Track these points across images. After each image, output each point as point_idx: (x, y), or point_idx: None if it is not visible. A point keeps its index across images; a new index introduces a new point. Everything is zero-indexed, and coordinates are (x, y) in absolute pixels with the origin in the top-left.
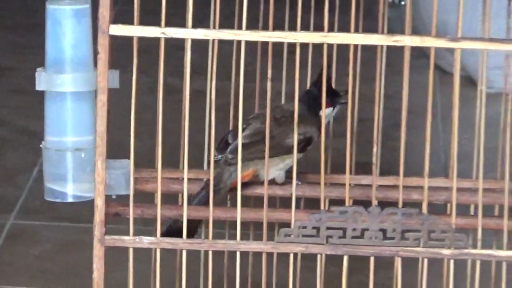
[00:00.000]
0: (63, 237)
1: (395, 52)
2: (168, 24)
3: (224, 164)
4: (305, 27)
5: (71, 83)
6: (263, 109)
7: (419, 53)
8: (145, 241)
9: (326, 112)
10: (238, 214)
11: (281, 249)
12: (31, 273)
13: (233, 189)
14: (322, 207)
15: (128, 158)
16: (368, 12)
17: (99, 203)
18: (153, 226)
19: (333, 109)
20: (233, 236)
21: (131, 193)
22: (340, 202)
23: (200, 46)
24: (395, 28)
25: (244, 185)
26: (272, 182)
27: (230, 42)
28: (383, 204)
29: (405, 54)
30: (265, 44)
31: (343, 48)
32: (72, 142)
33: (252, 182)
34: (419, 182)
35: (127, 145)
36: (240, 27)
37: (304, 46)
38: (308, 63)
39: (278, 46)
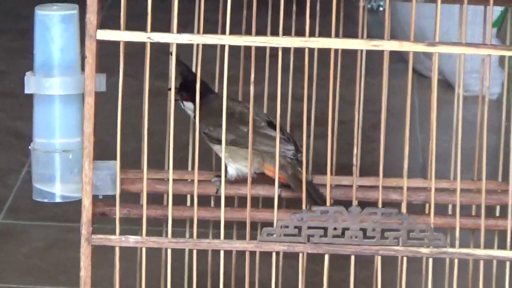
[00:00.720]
0: (51, 236)
1: (374, 56)
2: (154, 29)
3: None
4: (287, 32)
5: (59, 87)
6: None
7: (398, 58)
8: (131, 240)
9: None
10: (222, 214)
11: (264, 248)
12: (20, 271)
13: None
14: (303, 207)
15: (115, 159)
16: (348, 18)
17: (86, 203)
18: (138, 225)
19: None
20: (217, 235)
21: (118, 193)
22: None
23: (185, 50)
24: (374, 33)
25: None
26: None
27: (214, 47)
28: (363, 204)
29: (384, 58)
30: (248, 48)
31: (324, 52)
32: (60, 143)
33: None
34: (398, 183)
35: (114, 147)
36: (223, 32)
37: (286, 50)
38: (289, 67)
39: (260, 50)
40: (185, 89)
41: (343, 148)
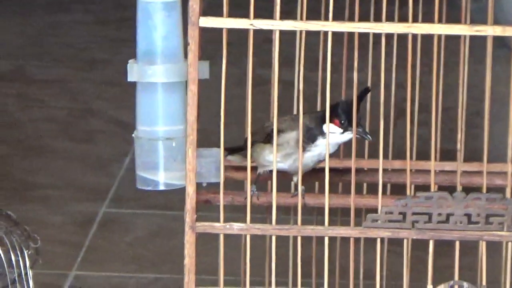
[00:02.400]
0: (155, 225)
1: (477, 42)
2: (257, 17)
3: None
4: (389, 19)
5: (162, 74)
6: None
7: (501, 43)
8: (235, 227)
9: (330, 129)
10: (326, 200)
11: (368, 234)
12: (124, 260)
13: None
14: (408, 192)
15: (218, 146)
16: (451, 4)
17: (190, 191)
18: (242, 213)
19: (342, 132)
20: (321, 222)
21: (222, 180)
22: (425, 188)
23: (287, 38)
24: (477, 19)
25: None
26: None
27: (317, 34)
28: (467, 189)
29: (488, 43)
30: (351, 35)
31: (427, 39)
32: (163, 131)
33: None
34: (502, 168)
35: (217, 134)
36: (326, 19)
37: (389, 36)
38: (393, 54)
39: (362, 37)
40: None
41: (446, 134)
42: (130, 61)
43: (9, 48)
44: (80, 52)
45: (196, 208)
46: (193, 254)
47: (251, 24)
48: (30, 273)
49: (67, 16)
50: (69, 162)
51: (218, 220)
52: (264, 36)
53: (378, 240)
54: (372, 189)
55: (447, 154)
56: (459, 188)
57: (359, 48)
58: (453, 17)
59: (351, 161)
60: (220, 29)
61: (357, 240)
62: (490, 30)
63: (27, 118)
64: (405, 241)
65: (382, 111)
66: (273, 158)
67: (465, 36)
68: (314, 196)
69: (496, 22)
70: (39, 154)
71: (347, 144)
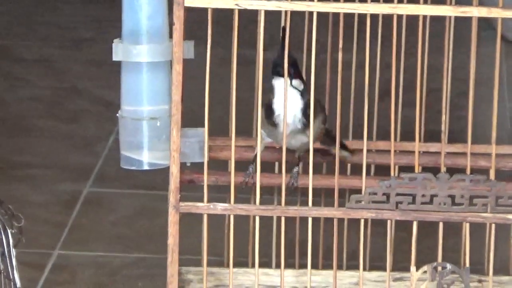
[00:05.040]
0: (139, 204)
1: (462, 24)
2: None
3: None
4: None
5: (147, 54)
6: None
7: (486, 25)
8: (219, 207)
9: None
10: (310, 180)
11: (352, 215)
12: (108, 239)
13: None
14: (392, 173)
15: (203, 126)
16: None
17: (174, 171)
18: (226, 193)
19: (291, 83)
20: (304, 203)
21: (205, 160)
22: (409, 168)
23: (272, 18)
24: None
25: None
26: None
27: (302, 14)
28: (451, 170)
29: (473, 25)
30: (336, 15)
31: (412, 20)
32: (148, 111)
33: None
34: (486, 150)
35: (202, 114)
36: None
37: (374, 17)
38: (378, 34)
39: (348, 17)
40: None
41: (431, 115)
42: (115, 40)
43: None
44: (66, 31)
45: (180, 188)
46: (176, 234)
47: (236, 4)
48: (13, 252)
49: None
50: (53, 141)
51: (202, 200)
52: (249, 17)
53: (362, 221)
54: (356, 170)
55: (432, 135)
56: (443, 169)
57: (344, 28)
58: None
59: None
60: (205, 9)
61: (340, 221)
62: (475, 11)
63: (12, 97)
64: (388, 222)
65: (367, 92)
66: (258, 138)
67: (450, 18)
68: (299, 176)
69: (481, 3)
70: (24, 133)
71: (331, 125)
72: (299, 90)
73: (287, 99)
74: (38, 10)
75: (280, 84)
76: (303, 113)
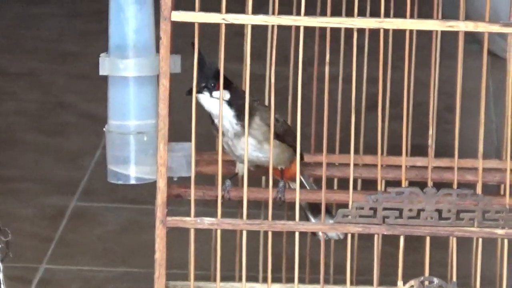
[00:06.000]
0: (126, 219)
1: (448, 38)
2: (229, 11)
3: None
4: (361, 14)
5: (134, 68)
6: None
7: (472, 39)
8: (206, 222)
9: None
10: (297, 195)
11: (339, 229)
12: (94, 253)
13: None
14: (379, 188)
15: (190, 141)
16: None
17: (161, 185)
18: (213, 207)
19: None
20: (292, 217)
21: (192, 175)
22: (396, 183)
23: (259, 32)
24: (448, 14)
25: None
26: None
27: (288, 28)
28: (438, 185)
29: (459, 39)
30: (323, 29)
31: (398, 34)
32: (135, 125)
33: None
34: (473, 164)
35: (189, 128)
36: (298, 13)
37: (361, 31)
38: (364, 48)
39: (335, 32)
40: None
41: (418, 129)
42: (102, 54)
43: None
44: (52, 45)
45: (167, 203)
46: (163, 249)
47: (223, 19)
48: (1, 266)
49: (39, 8)
50: (40, 155)
51: (189, 215)
52: (235, 30)
53: (349, 236)
54: (343, 184)
55: (419, 150)
56: (430, 183)
57: (330, 42)
58: (424, 13)
59: (322, 156)
60: (192, 23)
61: None
62: (462, 26)
63: None
64: (375, 236)
65: (353, 106)
66: (245, 152)
67: (436, 31)
68: (286, 191)
69: (468, 17)
70: (10, 147)
71: (318, 139)
72: (225, 100)
73: (219, 111)
74: (24, 23)
75: (204, 98)
76: (236, 117)
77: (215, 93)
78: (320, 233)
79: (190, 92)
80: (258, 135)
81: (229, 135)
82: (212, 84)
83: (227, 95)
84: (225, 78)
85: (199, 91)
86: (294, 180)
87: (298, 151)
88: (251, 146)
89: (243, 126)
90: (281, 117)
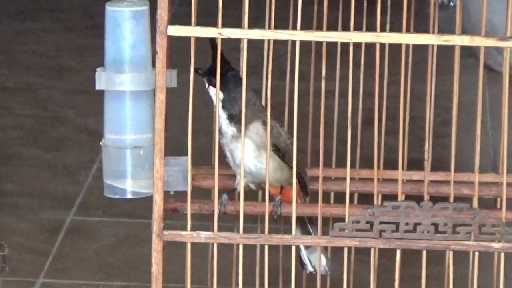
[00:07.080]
0: (122, 233)
1: (445, 52)
2: (225, 25)
3: None
4: (358, 28)
5: (130, 83)
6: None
7: (468, 53)
8: (203, 236)
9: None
10: (294, 209)
11: (336, 243)
12: (91, 268)
13: None
14: (375, 202)
15: (186, 155)
16: (419, 14)
17: (158, 199)
18: (210, 221)
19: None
20: (288, 231)
21: (189, 189)
22: (393, 197)
23: (255, 46)
24: (444, 29)
25: None
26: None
27: (285, 43)
28: (434, 199)
29: (456, 53)
30: (319, 44)
31: (395, 48)
32: (131, 140)
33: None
34: (469, 178)
35: (185, 143)
36: (295, 28)
37: (357, 46)
38: (360, 62)
39: (331, 46)
40: (213, 75)
41: (414, 143)
42: (98, 69)
43: None
44: (48, 60)
45: (163, 217)
46: (160, 263)
47: (219, 33)
48: None
49: (35, 24)
50: (37, 169)
51: (185, 229)
52: (232, 44)
53: (345, 249)
54: (340, 198)
55: (415, 163)
56: (426, 197)
57: (327, 57)
58: (421, 27)
59: (318, 169)
60: (188, 37)
61: (324, 248)
62: (458, 40)
63: None
64: (372, 250)
65: (350, 120)
66: (241, 165)
67: (433, 46)
68: (282, 205)
69: (464, 31)
70: (6, 162)
71: (315, 153)
72: (221, 101)
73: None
74: (21, 38)
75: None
76: (229, 117)
77: (211, 88)
78: (309, 266)
79: (197, 72)
80: (256, 139)
81: (227, 137)
82: (210, 79)
83: (220, 95)
84: (230, 80)
85: (203, 74)
86: (291, 203)
87: (296, 154)
88: (250, 151)
89: (238, 129)
90: (286, 133)
